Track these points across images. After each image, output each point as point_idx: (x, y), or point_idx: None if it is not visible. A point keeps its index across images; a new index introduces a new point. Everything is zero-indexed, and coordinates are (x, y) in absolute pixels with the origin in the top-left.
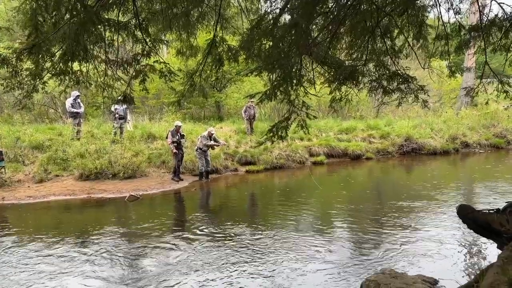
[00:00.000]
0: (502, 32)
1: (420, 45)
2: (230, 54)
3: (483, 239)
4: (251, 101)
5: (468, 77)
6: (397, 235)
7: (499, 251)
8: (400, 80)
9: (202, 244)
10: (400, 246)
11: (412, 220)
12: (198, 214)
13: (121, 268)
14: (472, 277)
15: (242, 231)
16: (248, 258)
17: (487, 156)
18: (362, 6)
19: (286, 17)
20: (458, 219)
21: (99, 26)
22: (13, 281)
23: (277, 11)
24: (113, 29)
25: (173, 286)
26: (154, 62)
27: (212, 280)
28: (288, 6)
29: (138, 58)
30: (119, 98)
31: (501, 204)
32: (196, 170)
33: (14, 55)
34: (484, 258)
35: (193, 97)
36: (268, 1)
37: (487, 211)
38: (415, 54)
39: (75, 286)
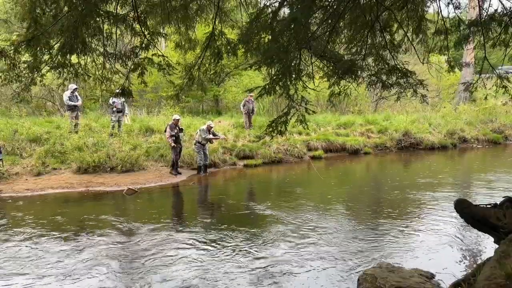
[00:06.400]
0: (502, 27)
1: (419, 40)
2: (229, 47)
3: (480, 234)
4: (250, 95)
5: (466, 72)
6: (394, 229)
7: (496, 246)
8: (399, 74)
9: (199, 238)
10: (397, 240)
11: (409, 214)
12: (196, 207)
13: (118, 261)
14: (469, 271)
15: (240, 224)
16: (244, 250)
17: (484, 151)
18: (362, 0)
19: (285, 10)
20: (456, 214)
21: (98, 19)
22: (5, 273)
23: (276, 4)
24: (111, 22)
25: (170, 278)
26: (152, 55)
27: (208, 271)
28: None
29: (137, 51)
30: (117, 91)
31: (498, 199)
32: (194, 164)
33: (12, 48)
34: (481, 253)
35: (192, 90)
36: None
37: (485, 206)
38: (414, 48)
39: (71, 279)
